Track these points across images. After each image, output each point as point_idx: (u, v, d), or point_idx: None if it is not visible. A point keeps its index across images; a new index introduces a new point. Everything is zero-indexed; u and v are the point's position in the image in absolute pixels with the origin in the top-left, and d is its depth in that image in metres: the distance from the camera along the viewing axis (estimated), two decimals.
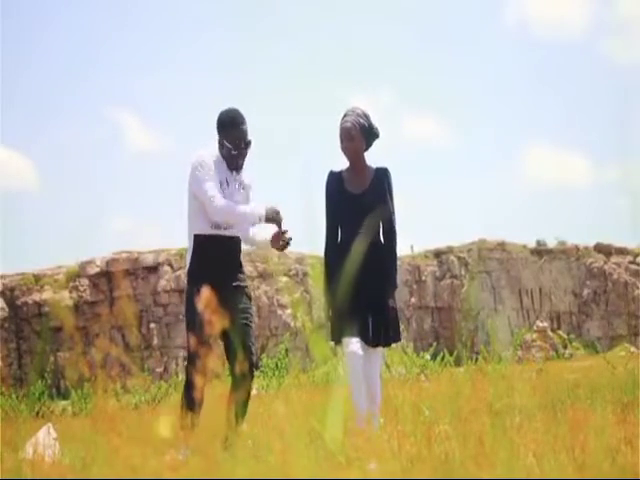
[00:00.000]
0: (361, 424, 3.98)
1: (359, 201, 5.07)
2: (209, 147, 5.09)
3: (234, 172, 5.04)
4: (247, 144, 5.02)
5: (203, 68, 53.74)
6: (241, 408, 4.70)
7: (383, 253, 5.09)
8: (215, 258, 4.87)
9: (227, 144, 4.98)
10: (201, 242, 4.92)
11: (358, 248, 4.88)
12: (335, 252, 5.03)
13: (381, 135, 5.23)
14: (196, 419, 4.37)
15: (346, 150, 5.13)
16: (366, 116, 5.15)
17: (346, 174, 5.17)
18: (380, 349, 5.07)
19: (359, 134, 5.10)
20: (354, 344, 4.86)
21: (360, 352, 4.84)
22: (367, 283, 4.87)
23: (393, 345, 5.49)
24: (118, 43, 52.13)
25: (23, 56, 47.21)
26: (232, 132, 4.98)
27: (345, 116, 5.16)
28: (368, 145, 5.19)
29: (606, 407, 4.61)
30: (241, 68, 54.97)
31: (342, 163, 5.24)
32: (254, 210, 4.90)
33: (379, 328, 4.91)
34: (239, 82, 51.46)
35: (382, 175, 5.16)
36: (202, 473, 2.48)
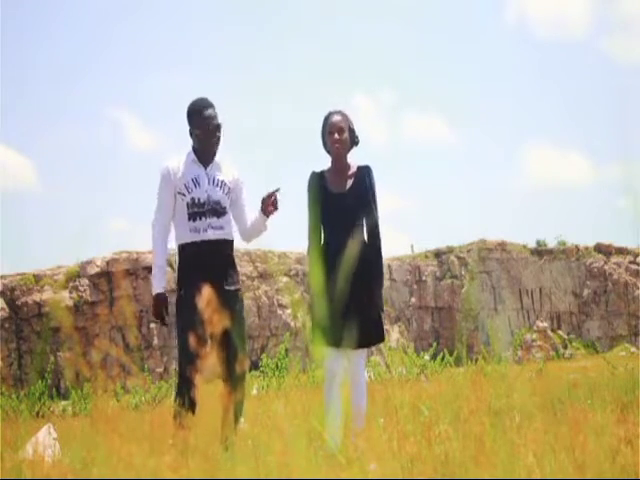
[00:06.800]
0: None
1: (341, 201, 4.93)
2: (182, 152, 5.09)
3: (207, 167, 5.01)
4: (216, 127, 5.00)
5: (203, 68, 53.76)
6: (238, 409, 4.70)
7: (368, 253, 4.90)
8: (201, 264, 4.84)
9: (196, 130, 4.98)
10: (184, 250, 4.93)
11: (343, 249, 4.71)
12: (319, 254, 4.87)
13: (359, 143, 5.12)
14: (191, 420, 4.37)
15: (337, 143, 4.98)
16: (351, 120, 5.08)
17: (328, 174, 5.05)
18: (362, 350, 4.90)
19: (347, 130, 5.02)
20: (332, 362, 4.76)
21: (340, 371, 4.74)
22: (353, 284, 4.63)
23: (393, 345, 5.46)
24: (119, 43, 52.17)
25: (23, 56, 47.22)
26: (199, 117, 4.98)
27: (331, 114, 5.06)
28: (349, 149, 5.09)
29: (606, 407, 4.60)
30: (242, 69, 54.96)
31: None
32: (157, 273, 5.03)
33: (362, 330, 4.73)
34: (239, 83, 51.46)
35: (364, 173, 5.01)
36: (202, 473, 2.48)
